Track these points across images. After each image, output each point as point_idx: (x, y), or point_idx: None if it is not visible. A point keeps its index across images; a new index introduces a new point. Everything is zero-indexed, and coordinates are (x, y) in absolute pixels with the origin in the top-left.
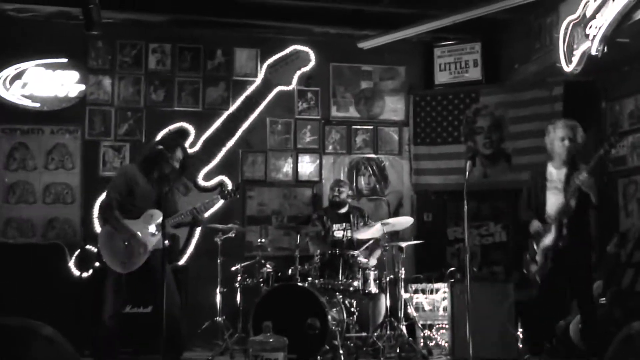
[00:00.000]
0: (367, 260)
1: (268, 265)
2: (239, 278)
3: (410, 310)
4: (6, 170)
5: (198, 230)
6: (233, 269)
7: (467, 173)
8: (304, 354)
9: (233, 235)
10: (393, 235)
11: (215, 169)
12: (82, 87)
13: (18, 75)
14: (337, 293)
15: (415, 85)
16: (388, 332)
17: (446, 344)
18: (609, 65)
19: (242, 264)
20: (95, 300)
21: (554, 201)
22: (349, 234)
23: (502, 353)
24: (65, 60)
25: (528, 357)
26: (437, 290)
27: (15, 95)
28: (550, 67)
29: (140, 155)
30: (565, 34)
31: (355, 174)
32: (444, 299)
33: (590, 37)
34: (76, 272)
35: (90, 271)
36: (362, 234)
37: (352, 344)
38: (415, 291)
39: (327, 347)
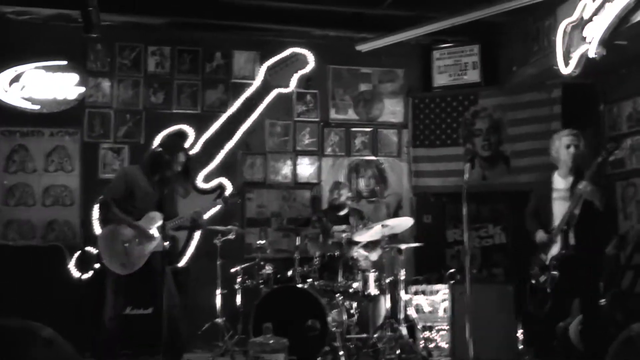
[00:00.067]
0: (367, 254)
1: (268, 267)
2: (238, 280)
3: (410, 311)
4: (5, 172)
5: (198, 232)
6: (233, 270)
7: (466, 175)
8: (304, 355)
9: (233, 237)
10: (392, 237)
11: (214, 171)
12: (82, 89)
13: (17, 78)
14: (337, 295)
15: (414, 87)
16: (388, 333)
17: (446, 346)
18: (607, 68)
19: (242, 266)
20: (96, 302)
21: (561, 210)
22: (348, 235)
23: (502, 354)
24: (64, 62)
25: (528, 359)
26: (437, 292)
27: (14, 97)
28: (549, 69)
29: (144, 157)
30: (563, 36)
31: (354, 176)
32: (444, 300)
33: (588, 40)
34: (76, 274)
35: (90, 273)
36: (362, 236)
37: (352, 346)
38: (415, 293)
39: (327, 349)
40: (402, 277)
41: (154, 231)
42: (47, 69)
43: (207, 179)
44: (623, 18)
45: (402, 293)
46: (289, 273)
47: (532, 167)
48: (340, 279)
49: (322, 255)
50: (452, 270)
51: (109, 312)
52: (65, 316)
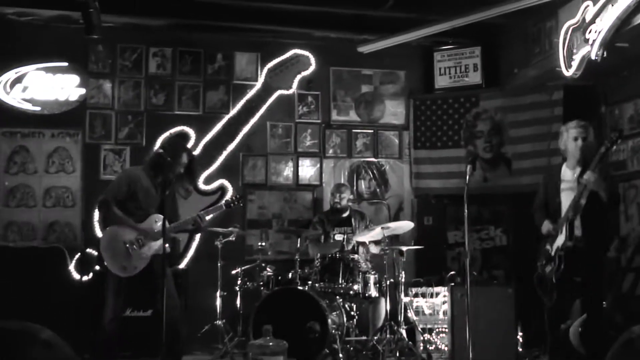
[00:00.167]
0: (367, 242)
1: (268, 269)
2: (239, 281)
3: (410, 314)
4: (6, 173)
5: (198, 234)
6: (233, 272)
7: (467, 177)
8: (304, 357)
9: (233, 238)
10: (393, 239)
11: (215, 172)
12: (83, 90)
13: (18, 79)
14: (337, 297)
15: (416, 89)
16: (388, 335)
17: (446, 348)
18: (609, 70)
19: (243, 268)
20: (96, 303)
21: (569, 201)
22: (350, 237)
23: (502, 357)
24: (65, 64)
25: None
26: (437, 294)
27: (15, 98)
28: (550, 71)
29: (146, 159)
30: (564, 38)
31: (355, 178)
32: (444, 302)
33: (590, 42)
34: (76, 276)
35: (91, 275)
36: (362, 238)
37: (351, 348)
38: (415, 295)
39: (327, 351)
40: (403, 279)
41: (156, 234)
42: (49, 70)
43: (208, 180)
44: (624, 20)
45: (402, 295)
46: (290, 275)
47: (534, 169)
48: (340, 281)
49: (323, 257)
50: (452, 273)
51: (109, 314)
52: (65, 318)
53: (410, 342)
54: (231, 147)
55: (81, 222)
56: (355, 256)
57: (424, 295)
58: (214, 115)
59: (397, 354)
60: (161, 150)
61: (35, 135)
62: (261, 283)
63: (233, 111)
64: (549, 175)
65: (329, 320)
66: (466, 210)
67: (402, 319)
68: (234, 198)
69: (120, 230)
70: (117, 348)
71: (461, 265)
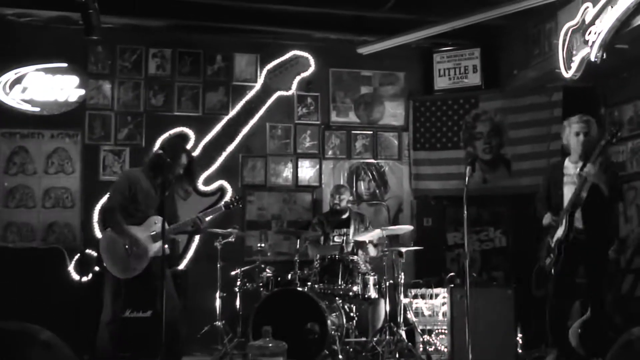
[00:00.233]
0: (367, 243)
1: (268, 270)
2: (238, 283)
3: (410, 315)
4: (6, 174)
5: (198, 235)
6: (233, 273)
7: (466, 178)
8: (304, 358)
9: (233, 239)
10: (393, 240)
11: (215, 173)
12: (82, 91)
13: (18, 80)
14: (337, 298)
15: (415, 90)
16: (387, 337)
17: (445, 349)
18: (608, 72)
19: (242, 269)
20: (95, 304)
21: (570, 194)
22: (349, 239)
23: (501, 358)
24: (65, 64)
25: None
26: (437, 296)
27: (15, 99)
28: (550, 73)
29: (145, 160)
30: (564, 40)
31: (355, 179)
32: (443, 304)
33: (590, 43)
34: (76, 276)
35: (90, 275)
36: (361, 237)
37: (351, 349)
38: (415, 296)
39: (327, 352)
40: (402, 281)
41: (152, 239)
42: (48, 71)
43: (208, 181)
44: (624, 22)
45: (401, 296)
46: (289, 276)
47: (533, 170)
48: (340, 282)
49: (322, 258)
50: (452, 274)
51: (108, 315)
52: (65, 319)
53: (409, 344)
54: (230, 148)
55: (80, 222)
56: (355, 257)
57: (423, 297)
58: (214, 116)
59: (397, 355)
60: (160, 151)
61: (35, 136)
62: (260, 284)
63: (232, 112)
64: (551, 168)
65: (329, 322)
66: (465, 212)
67: (402, 320)
68: (233, 199)
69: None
70: (117, 349)
71: (461, 267)
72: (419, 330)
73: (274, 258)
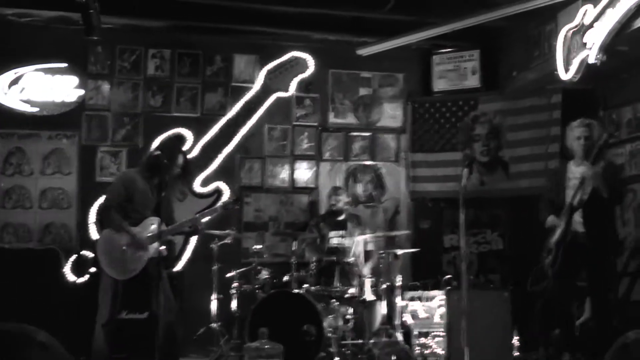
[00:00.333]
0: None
1: (264, 272)
2: (235, 284)
3: (406, 317)
4: (2, 175)
5: (194, 237)
6: (229, 275)
7: (463, 180)
8: None
9: (229, 241)
10: (389, 242)
11: (212, 175)
12: (81, 92)
13: (17, 80)
14: (333, 300)
15: (414, 92)
16: (384, 339)
17: (442, 352)
18: (608, 74)
19: (238, 270)
20: (91, 305)
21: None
22: (345, 241)
23: None
24: (64, 65)
25: None
26: (433, 298)
27: (13, 99)
28: (549, 74)
29: (142, 160)
30: (563, 42)
31: (352, 181)
32: (440, 306)
33: (589, 45)
34: (72, 278)
35: (86, 276)
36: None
37: (347, 351)
38: (412, 298)
39: (323, 354)
40: (399, 283)
41: (150, 239)
42: (47, 71)
43: (205, 183)
44: (624, 24)
45: (398, 299)
46: (286, 278)
47: (531, 173)
48: (336, 284)
49: (319, 260)
50: (448, 276)
51: (104, 316)
52: (61, 320)
53: (406, 346)
54: (228, 149)
55: (77, 223)
56: (352, 259)
57: (420, 299)
58: (212, 117)
59: (393, 358)
60: (158, 152)
61: (32, 137)
62: (257, 286)
63: (231, 113)
64: (555, 171)
65: (325, 324)
66: (463, 214)
67: (398, 322)
68: (230, 200)
69: (116, 233)
70: (113, 350)
71: (457, 269)
72: (415, 333)
73: (270, 260)
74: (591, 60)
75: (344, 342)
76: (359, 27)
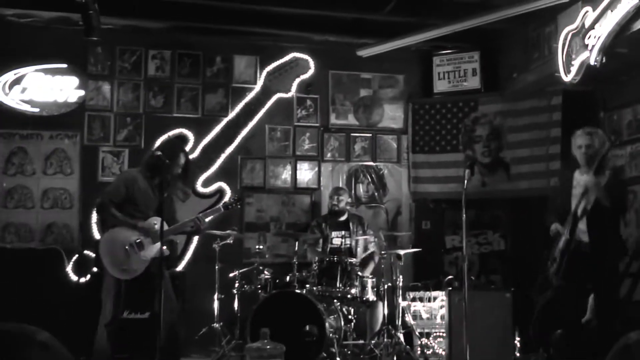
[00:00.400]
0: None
1: (266, 272)
2: (236, 284)
3: (408, 318)
4: (4, 175)
5: (196, 237)
6: (231, 275)
7: (465, 181)
8: None
9: (231, 241)
10: (391, 242)
11: (214, 175)
12: (82, 92)
13: (17, 80)
14: (335, 300)
15: (414, 93)
16: (385, 340)
17: (443, 352)
18: (608, 75)
19: (240, 271)
20: (93, 305)
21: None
22: (347, 241)
23: None
24: (64, 65)
25: None
26: (435, 299)
27: (14, 100)
28: (549, 76)
29: (143, 160)
30: (564, 43)
31: (353, 182)
32: (441, 307)
33: (589, 47)
34: (74, 277)
35: (88, 276)
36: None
37: (349, 352)
38: (413, 299)
39: (324, 355)
40: (400, 283)
41: (152, 240)
42: (48, 71)
43: (207, 183)
44: (624, 26)
45: (399, 299)
46: (287, 278)
47: (532, 174)
48: (338, 284)
49: (321, 260)
50: (450, 277)
51: (107, 316)
52: (62, 320)
53: (407, 347)
54: (230, 150)
55: (79, 223)
56: (353, 260)
57: (421, 300)
58: (213, 118)
59: (395, 358)
60: (159, 152)
61: (34, 137)
62: (259, 286)
63: (232, 114)
64: (562, 180)
65: (327, 324)
66: (464, 215)
67: (400, 323)
68: (232, 199)
69: (119, 233)
70: (115, 350)
71: (459, 270)
72: (417, 333)
73: (272, 260)
74: (591, 62)
75: (345, 342)
76: (359, 28)
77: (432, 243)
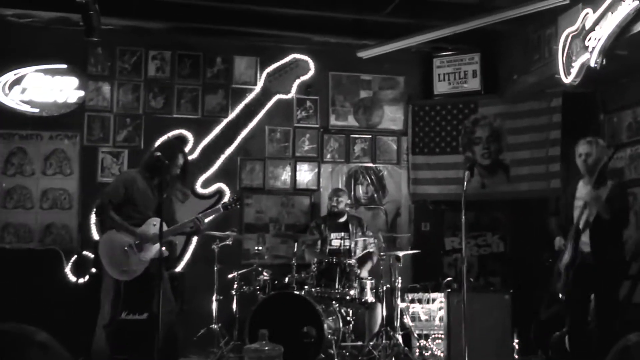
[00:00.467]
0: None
1: (265, 273)
2: (235, 285)
3: (407, 319)
4: (4, 175)
5: (195, 237)
6: (230, 276)
7: (465, 183)
8: None
9: (230, 242)
10: (390, 244)
11: (213, 176)
12: (81, 93)
13: (17, 81)
14: (334, 302)
15: (414, 95)
16: (384, 341)
17: (442, 354)
18: (608, 77)
19: (239, 272)
20: (92, 306)
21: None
22: (346, 243)
23: None
24: (64, 66)
25: None
26: (434, 300)
27: (14, 100)
28: (549, 78)
29: (142, 161)
30: (564, 45)
31: (353, 183)
32: (440, 308)
33: (589, 49)
34: (73, 278)
35: (87, 277)
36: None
37: (347, 353)
38: (412, 301)
39: (323, 356)
40: (399, 285)
41: (153, 237)
42: (47, 72)
43: (206, 184)
44: (624, 28)
45: (398, 301)
46: (286, 279)
47: (532, 176)
48: (337, 286)
49: (320, 262)
50: (449, 279)
51: (105, 317)
52: (61, 320)
53: (406, 348)
54: (229, 151)
55: (78, 224)
56: (352, 261)
57: (420, 301)
58: (213, 119)
59: None
60: (158, 153)
61: (33, 138)
62: (257, 287)
63: (232, 115)
64: (563, 185)
65: (325, 325)
66: (463, 217)
67: (398, 324)
68: (231, 200)
69: (118, 234)
70: (113, 351)
71: (458, 272)
72: (415, 335)
73: (271, 261)
74: (592, 64)
75: (344, 343)
76: (359, 29)
77: (431, 245)
